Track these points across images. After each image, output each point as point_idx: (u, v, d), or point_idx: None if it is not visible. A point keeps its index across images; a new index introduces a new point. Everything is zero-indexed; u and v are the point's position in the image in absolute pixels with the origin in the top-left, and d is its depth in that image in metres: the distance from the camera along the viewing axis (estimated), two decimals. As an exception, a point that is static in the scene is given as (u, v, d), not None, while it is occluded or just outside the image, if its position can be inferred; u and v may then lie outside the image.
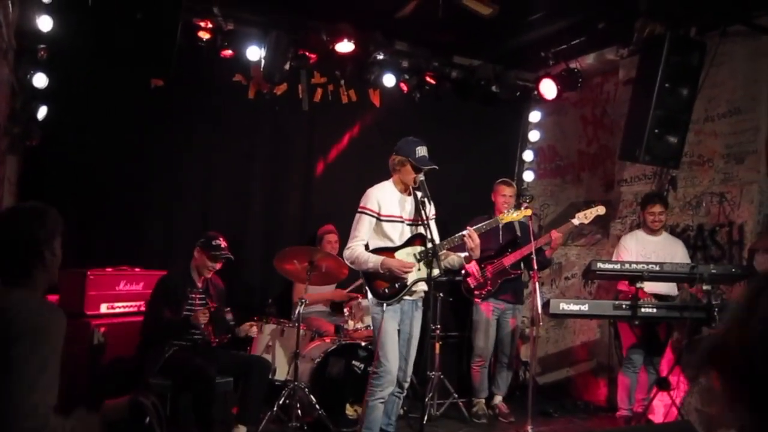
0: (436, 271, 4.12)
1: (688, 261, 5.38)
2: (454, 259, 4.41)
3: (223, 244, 4.75)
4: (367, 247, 4.30)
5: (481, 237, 4.97)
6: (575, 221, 5.52)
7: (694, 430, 3.86)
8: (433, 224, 4.32)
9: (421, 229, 4.31)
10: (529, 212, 4.87)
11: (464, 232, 4.26)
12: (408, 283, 4.23)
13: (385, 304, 4.22)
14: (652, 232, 5.45)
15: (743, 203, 5.37)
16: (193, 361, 4.44)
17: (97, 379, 4.53)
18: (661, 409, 5.46)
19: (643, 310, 4.86)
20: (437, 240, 4.31)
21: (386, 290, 4.25)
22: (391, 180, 4.38)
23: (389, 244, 4.28)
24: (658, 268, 4.81)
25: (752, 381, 0.94)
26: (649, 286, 5.05)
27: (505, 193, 5.84)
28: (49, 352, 2.04)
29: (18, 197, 5.11)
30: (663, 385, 5.01)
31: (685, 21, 5.38)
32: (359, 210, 4.29)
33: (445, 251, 4.32)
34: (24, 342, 1.99)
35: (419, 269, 4.26)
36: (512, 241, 5.80)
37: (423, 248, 4.28)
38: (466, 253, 4.34)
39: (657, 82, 5.06)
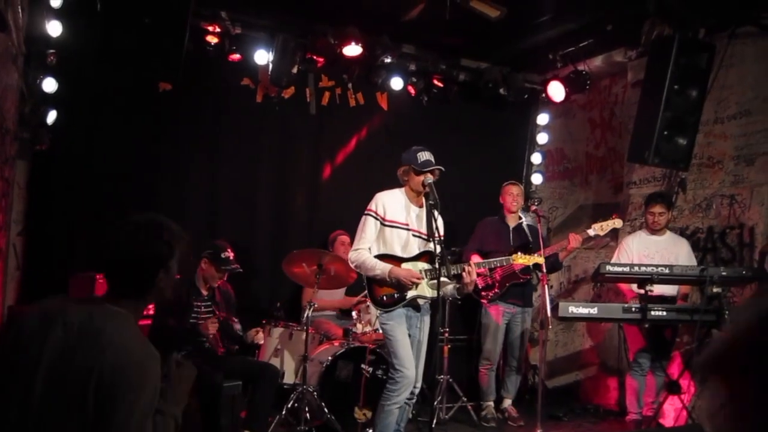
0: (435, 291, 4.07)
1: (693, 260, 5.35)
2: (447, 288, 4.33)
3: (231, 255, 4.72)
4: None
5: (492, 239, 4.96)
6: (591, 232, 5.50)
7: (705, 434, 3.86)
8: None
9: (430, 246, 4.26)
10: (541, 260, 4.97)
11: (464, 266, 4.23)
12: (407, 297, 4.21)
13: (382, 312, 4.23)
14: (654, 232, 5.42)
15: (753, 205, 5.34)
16: (201, 369, 4.40)
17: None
18: (671, 412, 5.42)
19: (652, 313, 4.82)
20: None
21: (384, 298, 4.23)
22: (402, 188, 4.37)
23: (391, 252, 4.25)
24: (667, 271, 4.77)
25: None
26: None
27: (512, 191, 5.84)
28: (146, 407, 1.86)
29: (27, 201, 5.14)
30: (673, 388, 4.98)
31: (693, 23, 5.35)
32: (365, 212, 4.28)
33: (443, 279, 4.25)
34: (124, 403, 1.80)
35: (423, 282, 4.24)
36: (523, 245, 5.74)
37: (429, 266, 4.25)
38: (459, 285, 4.29)
39: (666, 84, 5.03)
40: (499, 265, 4.76)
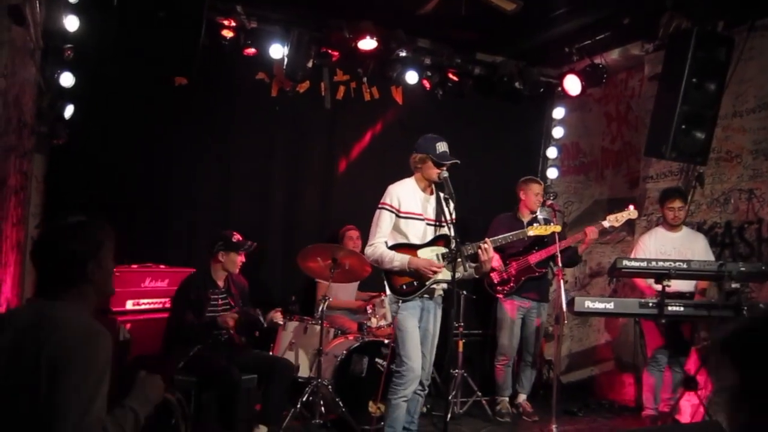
0: (458, 274, 4.04)
1: (710, 255, 5.29)
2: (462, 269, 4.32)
3: (240, 237, 4.80)
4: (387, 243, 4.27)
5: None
6: (606, 223, 5.46)
7: (722, 431, 3.80)
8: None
9: (444, 230, 4.25)
10: (558, 228, 4.96)
11: (480, 243, 4.21)
12: (427, 282, 4.20)
13: (401, 301, 4.19)
14: (672, 228, 5.37)
15: (772, 200, 5.28)
16: (218, 362, 4.43)
17: (122, 375, 4.56)
18: (688, 408, 5.38)
19: (669, 308, 4.77)
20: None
21: (404, 286, 4.20)
22: (413, 177, 4.33)
23: (407, 241, 4.24)
24: (685, 266, 4.72)
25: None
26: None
27: (538, 191, 5.81)
28: (96, 381, 1.91)
29: (45, 195, 5.18)
30: (690, 384, 4.95)
31: (712, 15, 5.29)
32: (379, 206, 4.25)
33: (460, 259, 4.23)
34: (72, 373, 1.87)
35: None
36: (539, 238, 5.70)
37: (446, 249, 4.23)
38: (477, 264, 4.25)
39: (684, 78, 4.98)
40: (513, 239, 4.71)
